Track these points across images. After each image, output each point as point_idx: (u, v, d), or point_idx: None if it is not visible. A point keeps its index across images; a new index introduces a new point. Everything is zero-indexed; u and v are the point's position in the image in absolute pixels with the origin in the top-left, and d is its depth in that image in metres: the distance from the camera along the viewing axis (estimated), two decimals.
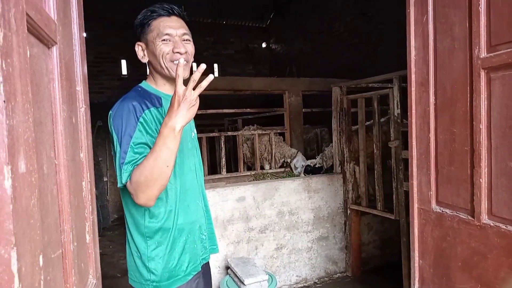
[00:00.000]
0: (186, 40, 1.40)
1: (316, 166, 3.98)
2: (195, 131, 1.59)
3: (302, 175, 4.08)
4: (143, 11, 1.40)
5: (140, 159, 1.21)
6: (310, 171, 4.00)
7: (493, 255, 1.34)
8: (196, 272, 1.45)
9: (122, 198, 1.41)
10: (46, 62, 0.77)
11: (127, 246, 1.45)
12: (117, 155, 1.26)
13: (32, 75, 0.65)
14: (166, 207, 1.37)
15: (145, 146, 1.25)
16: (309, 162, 4.10)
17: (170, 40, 1.36)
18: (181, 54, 1.36)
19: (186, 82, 1.14)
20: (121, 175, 1.23)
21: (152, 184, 1.17)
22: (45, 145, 0.73)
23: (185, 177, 1.43)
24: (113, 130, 1.30)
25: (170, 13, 1.38)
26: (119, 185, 1.27)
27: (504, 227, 1.30)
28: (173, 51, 1.36)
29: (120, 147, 1.25)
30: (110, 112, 1.34)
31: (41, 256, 0.61)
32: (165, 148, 1.14)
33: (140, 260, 1.38)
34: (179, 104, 1.11)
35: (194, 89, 1.14)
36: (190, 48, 1.41)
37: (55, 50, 0.82)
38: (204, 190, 1.59)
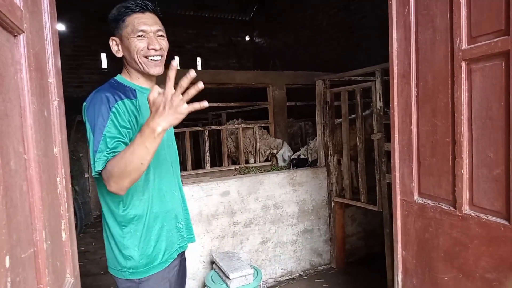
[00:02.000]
0: (160, 36, 1.44)
1: (301, 157, 3.99)
2: None
3: (287, 168, 4.09)
4: (117, 6, 1.42)
5: (114, 150, 1.23)
6: (295, 164, 4.00)
7: (474, 244, 1.36)
8: (172, 260, 1.48)
9: (97, 187, 1.44)
10: (11, 51, 0.73)
11: (104, 235, 1.48)
12: (91, 144, 1.28)
13: None
14: (141, 195, 1.40)
15: (118, 136, 1.27)
16: (294, 155, 4.10)
17: (145, 36, 1.40)
18: (155, 50, 1.40)
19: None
20: (94, 163, 1.25)
21: (125, 176, 1.18)
22: (12, 139, 0.69)
23: (160, 167, 1.46)
24: (86, 121, 1.33)
25: (144, 9, 1.41)
26: (93, 173, 1.28)
27: (484, 217, 1.31)
28: (148, 48, 1.39)
29: (94, 136, 1.27)
30: (84, 103, 1.37)
31: (7, 257, 0.58)
32: (143, 147, 1.13)
33: (117, 248, 1.41)
34: (164, 107, 1.07)
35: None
36: (164, 43, 1.45)
37: (22, 38, 0.77)
38: (180, 180, 1.62)
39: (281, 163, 4.25)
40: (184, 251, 1.64)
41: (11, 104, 0.70)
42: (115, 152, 1.23)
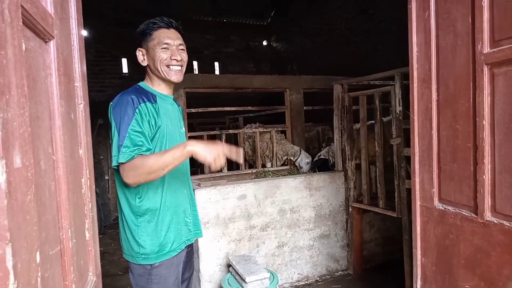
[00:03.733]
0: (182, 49, 1.66)
1: (321, 157, 4.03)
2: (183, 129, 1.83)
3: (306, 171, 4.11)
4: (146, 22, 1.64)
5: (138, 147, 1.43)
6: (319, 166, 4.02)
7: (496, 252, 1.33)
8: (180, 250, 1.65)
9: (116, 180, 1.59)
10: (43, 56, 0.76)
11: (119, 223, 1.65)
12: (115, 139, 1.47)
13: (28, 68, 0.64)
14: (155, 190, 1.58)
15: (141, 134, 1.46)
16: (317, 156, 4.15)
17: (168, 48, 1.61)
18: (177, 61, 1.62)
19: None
20: (118, 155, 1.43)
21: (145, 175, 1.42)
22: (42, 140, 0.72)
23: None
24: (112, 119, 1.52)
25: (169, 26, 1.64)
26: (113, 164, 1.47)
27: (508, 224, 1.28)
28: (170, 58, 1.61)
29: (119, 133, 1.46)
30: (111, 103, 1.56)
31: (38, 253, 0.60)
32: (170, 155, 1.39)
33: (131, 236, 1.58)
34: (214, 148, 1.39)
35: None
36: (185, 56, 1.68)
37: (52, 44, 0.81)
38: (189, 179, 1.81)
39: (300, 170, 4.25)
40: (192, 245, 1.81)
41: (42, 107, 0.73)
42: (140, 148, 1.43)
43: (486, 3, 1.33)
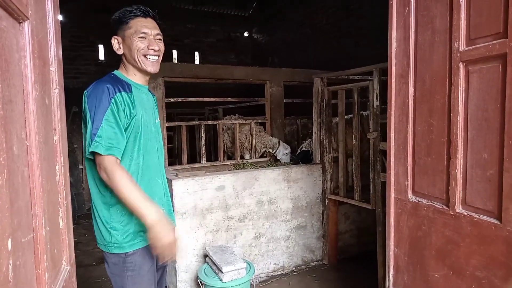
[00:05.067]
0: (159, 39, 1.64)
1: (303, 149, 4.11)
2: (158, 119, 1.81)
3: (286, 162, 4.16)
4: (122, 9, 1.60)
5: (110, 141, 1.43)
6: (302, 157, 4.07)
7: (465, 243, 1.38)
8: None
9: (88, 170, 1.59)
10: (16, 37, 0.73)
11: (92, 213, 1.64)
12: (89, 128, 1.44)
13: (1, 49, 0.62)
14: None
15: (115, 125, 1.45)
16: (300, 147, 4.21)
17: (146, 38, 1.59)
18: (154, 51, 1.60)
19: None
20: (90, 144, 1.41)
21: (113, 186, 1.44)
22: (15, 124, 0.69)
23: (147, 156, 1.64)
24: (87, 108, 1.47)
25: (146, 15, 1.61)
26: (86, 154, 1.46)
27: (477, 216, 1.34)
28: (148, 48, 1.58)
29: (93, 122, 1.43)
30: (85, 92, 1.52)
31: (9, 240, 0.58)
32: (136, 204, 1.42)
33: (103, 225, 1.57)
34: (168, 239, 1.43)
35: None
36: (162, 46, 1.66)
37: (26, 25, 0.78)
38: (163, 169, 1.79)
39: (280, 161, 4.28)
40: None
41: (15, 90, 0.71)
42: (113, 147, 1.43)
43: (463, 2, 1.36)
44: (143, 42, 1.58)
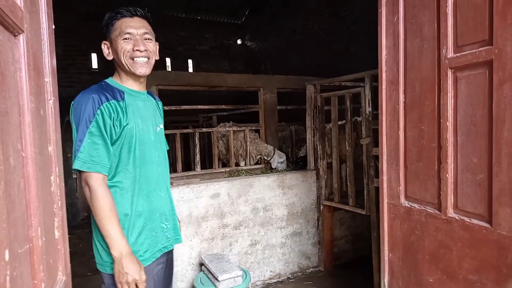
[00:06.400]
0: (148, 39, 1.52)
1: (300, 155, 4.20)
2: (161, 126, 1.70)
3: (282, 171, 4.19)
4: (109, 12, 1.52)
5: (92, 159, 1.37)
6: (300, 161, 4.12)
7: (457, 247, 1.40)
8: (155, 259, 1.54)
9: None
10: (12, 50, 0.74)
11: (91, 231, 1.55)
12: (74, 142, 1.39)
13: None
14: (125, 193, 1.48)
15: (100, 138, 1.38)
16: (299, 154, 4.31)
17: (131, 38, 1.48)
18: (140, 51, 1.48)
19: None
20: (74, 160, 1.36)
21: (92, 208, 1.39)
22: (11, 136, 0.70)
23: (146, 168, 1.53)
24: (73, 120, 1.41)
25: (133, 14, 1.50)
26: (73, 168, 1.39)
27: (468, 220, 1.36)
28: (133, 49, 1.47)
29: (77, 135, 1.37)
30: (72, 102, 1.45)
31: (7, 251, 0.59)
32: (108, 232, 1.37)
33: (99, 243, 1.48)
34: (126, 277, 1.37)
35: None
36: (152, 46, 1.54)
37: (22, 38, 0.79)
38: (168, 182, 1.69)
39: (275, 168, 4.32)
40: (171, 251, 1.69)
41: (11, 102, 0.72)
42: (93, 160, 1.36)
43: (450, 10, 1.40)
44: (129, 43, 1.47)
